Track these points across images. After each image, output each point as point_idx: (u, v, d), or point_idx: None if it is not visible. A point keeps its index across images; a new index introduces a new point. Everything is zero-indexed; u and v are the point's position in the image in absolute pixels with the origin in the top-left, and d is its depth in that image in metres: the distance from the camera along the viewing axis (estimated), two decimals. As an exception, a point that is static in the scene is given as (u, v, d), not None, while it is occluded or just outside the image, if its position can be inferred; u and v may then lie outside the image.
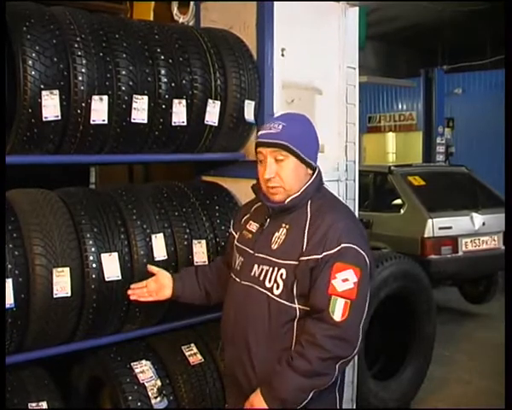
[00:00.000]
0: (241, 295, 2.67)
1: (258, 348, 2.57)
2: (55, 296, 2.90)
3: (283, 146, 2.55)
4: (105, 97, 3.03)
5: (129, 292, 3.04)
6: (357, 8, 4.37)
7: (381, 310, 5.21)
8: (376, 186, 8.48)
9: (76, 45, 2.99)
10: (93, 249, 3.03)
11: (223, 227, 3.57)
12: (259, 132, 2.66)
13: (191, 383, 3.44)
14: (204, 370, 3.51)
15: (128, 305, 3.17)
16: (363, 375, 4.91)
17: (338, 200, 2.79)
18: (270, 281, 2.56)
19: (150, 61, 3.24)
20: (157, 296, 3.00)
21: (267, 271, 2.58)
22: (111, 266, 3.05)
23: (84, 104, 2.98)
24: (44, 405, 3.03)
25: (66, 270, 2.92)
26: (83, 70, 2.98)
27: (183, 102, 3.33)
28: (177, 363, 3.47)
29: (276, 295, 2.54)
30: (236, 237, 2.84)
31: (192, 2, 4.30)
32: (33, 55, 2.85)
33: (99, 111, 3.02)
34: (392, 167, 8.34)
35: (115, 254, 3.08)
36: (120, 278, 3.09)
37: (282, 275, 2.54)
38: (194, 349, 3.56)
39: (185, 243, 3.37)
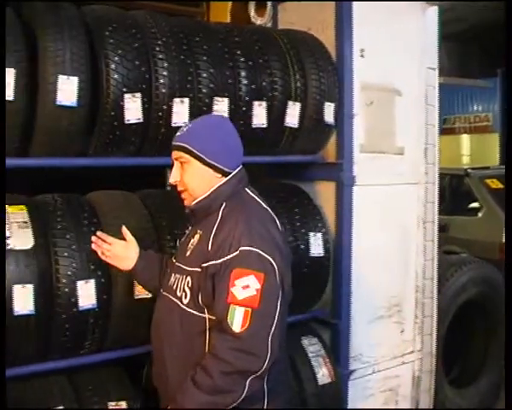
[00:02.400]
0: (159, 306, 2.56)
1: (172, 362, 2.41)
2: (136, 297, 2.93)
3: (183, 148, 2.40)
4: (186, 100, 3.04)
5: (93, 239, 2.72)
6: (436, 8, 4.28)
7: (459, 316, 5.09)
8: (452, 189, 8.29)
9: (157, 48, 3.02)
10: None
11: (303, 230, 3.54)
12: None
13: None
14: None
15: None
16: (440, 381, 4.80)
17: (255, 204, 2.50)
18: (180, 290, 2.42)
19: (230, 64, 3.24)
20: (116, 262, 2.72)
21: (179, 279, 2.44)
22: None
23: (165, 107, 3.00)
24: (124, 404, 3.04)
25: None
26: (164, 73, 3.00)
27: (264, 103, 3.32)
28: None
29: (185, 305, 2.38)
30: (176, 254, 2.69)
31: (269, 4, 4.29)
32: (116, 58, 2.89)
33: (180, 113, 3.03)
34: (469, 170, 8.14)
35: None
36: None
37: (188, 283, 2.38)
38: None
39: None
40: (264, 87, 3.34)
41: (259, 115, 3.31)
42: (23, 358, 2.81)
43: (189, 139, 2.40)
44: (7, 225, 2.74)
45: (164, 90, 2.99)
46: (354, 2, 3.70)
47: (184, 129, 2.45)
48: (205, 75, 3.12)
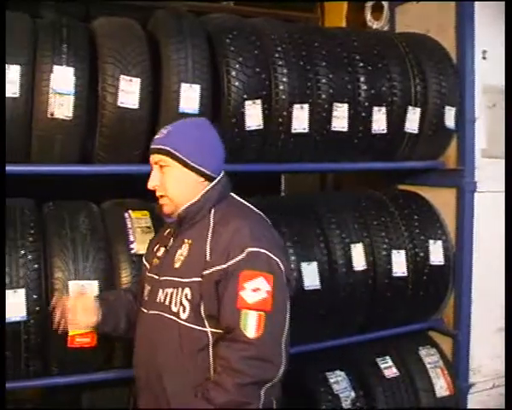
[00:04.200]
0: (148, 326, 2.29)
1: (172, 385, 2.16)
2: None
3: (165, 151, 2.22)
4: (305, 106, 3.04)
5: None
6: None
7: None
8: None
9: (277, 55, 3.04)
10: (293, 258, 3.03)
11: (422, 237, 3.47)
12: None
13: (386, 396, 3.34)
14: (399, 384, 3.41)
15: (326, 314, 3.16)
16: None
17: (248, 207, 2.33)
18: (175, 304, 2.18)
19: (349, 69, 3.21)
20: (77, 321, 2.39)
21: (172, 293, 2.21)
22: (310, 275, 3.04)
23: (285, 113, 3.01)
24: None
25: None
26: (284, 79, 3.01)
27: (383, 109, 3.27)
28: (371, 375, 3.40)
29: (184, 320, 2.15)
30: (148, 267, 2.44)
31: (386, 7, 4.22)
32: (237, 65, 2.92)
33: (300, 119, 3.02)
34: None
35: (314, 264, 3.07)
36: (319, 287, 3.07)
37: (186, 295, 2.16)
38: (390, 362, 3.47)
39: (384, 252, 3.31)
40: (384, 92, 3.29)
41: (379, 121, 3.26)
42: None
43: (171, 142, 2.22)
44: (130, 230, 2.81)
45: (284, 97, 3.00)
46: (476, 2, 3.58)
47: (164, 132, 2.26)
48: (324, 81, 3.11)
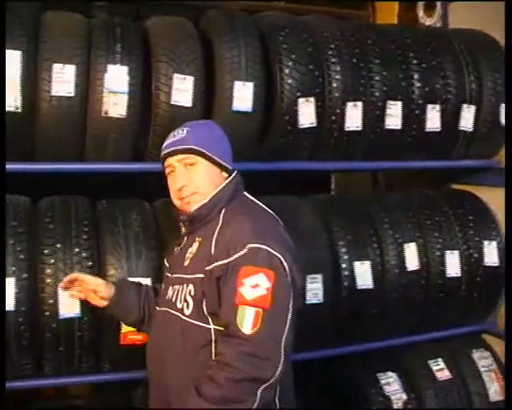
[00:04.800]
0: (158, 322, 2.33)
1: (175, 380, 2.16)
2: (307, 303, 2.92)
3: (191, 150, 2.24)
4: (359, 103, 3.01)
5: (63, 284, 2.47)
6: None
7: None
8: None
9: (330, 52, 3.02)
10: (345, 257, 3.01)
11: (476, 238, 3.40)
12: (164, 144, 2.33)
13: (438, 399, 3.29)
14: (451, 386, 3.35)
15: (378, 315, 3.13)
16: None
17: (258, 206, 2.31)
18: (180, 301, 2.19)
19: (403, 66, 3.18)
20: (90, 298, 2.47)
21: (178, 290, 2.23)
22: (363, 275, 3.02)
23: (338, 111, 2.99)
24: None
25: (320, 277, 2.92)
26: (337, 77, 2.99)
27: (437, 107, 3.22)
28: (423, 377, 3.35)
29: (187, 316, 2.15)
30: (168, 267, 2.45)
31: (439, 4, 4.15)
32: (290, 63, 2.91)
33: (353, 117, 3.00)
34: None
35: (367, 263, 3.04)
36: (372, 287, 3.04)
37: (190, 292, 2.16)
38: (442, 364, 3.41)
39: (438, 253, 3.26)
40: (438, 90, 3.24)
41: (433, 119, 3.21)
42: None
43: (195, 140, 2.25)
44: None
45: (337, 94, 2.98)
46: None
47: (182, 133, 2.28)
48: (377, 78, 3.08)
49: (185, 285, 2.18)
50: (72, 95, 2.65)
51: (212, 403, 1.95)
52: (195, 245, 2.24)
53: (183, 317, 2.16)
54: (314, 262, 2.93)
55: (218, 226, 2.17)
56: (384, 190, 4.47)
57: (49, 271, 2.62)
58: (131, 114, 2.71)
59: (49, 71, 2.63)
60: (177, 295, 2.21)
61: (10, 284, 2.55)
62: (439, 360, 3.43)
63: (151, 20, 2.97)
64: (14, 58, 2.60)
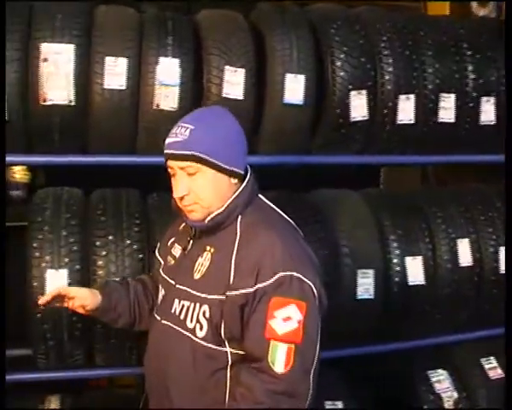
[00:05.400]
0: (160, 337, 2.12)
1: (182, 402, 2.01)
2: (358, 298, 2.89)
3: (193, 157, 1.97)
4: (412, 96, 2.97)
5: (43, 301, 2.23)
6: None
7: None
8: None
9: (382, 45, 2.98)
10: (397, 252, 2.98)
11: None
12: (166, 141, 2.06)
13: (490, 398, 3.23)
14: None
15: (430, 311, 3.10)
16: None
17: (276, 213, 2.13)
18: (191, 320, 2.00)
19: (456, 58, 3.12)
20: (76, 309, 2.25)
21: (188, 307, 2.02)
22: (415, 271, 2.98)
23: (390, 104, 2.95)
24: (340, 404, 3.03)
25: (371, 272, 2.89)
26: (389, 69, 2.95)
27: (492, 99, 3.16)
28: (475, 376, 3.29)
29: (200, 338, 1.98)
30: (162, 264, 2.27)
31: (493, -6, 4.09)
32: (341, 56, 2.88)
33: (406, 111, 2.96)
34: None
35: (419, 258, 3.00)
36: (424, 282, 3.00)
37: (204, 313, 1.97)
38: (495, 363, 3.35)
39: (491, 249, 3.20)
40: (493, 82, 3.18)
41: (488, 112, 3.15)
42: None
43: (197, 144, 1.97)
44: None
45: (389, 87, 2.94)
46: None
47: (184, 131, 2.01)
48: (430, 70, 3.03)
49: (198, 304, 2.00)
50: (124, 88, 2.66)
51: None
52: (207, 256, 2.04)
53: (194, 338, 2.00)
54: (365, 257, 2.91)
55: (237, 241, 1.98)
56: (434, 184, 4.41)
57: (100, 263, 2.64)
58: (182, 107, 2.70)
59: (101, 64, 2.64)
60: (187, 312, 2.03)
61: (63, 276, 2.59)
62: (492, 358, 3.37)
63: (202, 13, 2.97)
64: (67, 52, 2.62)
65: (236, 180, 2.05)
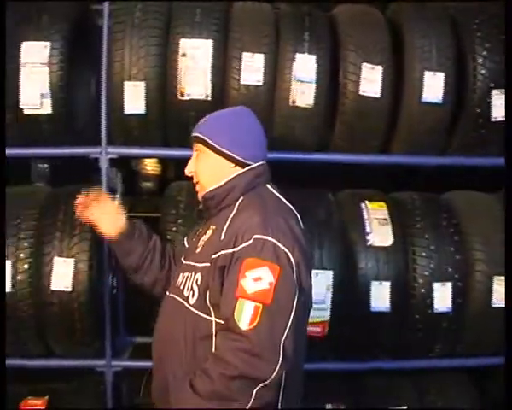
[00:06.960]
0: (165, 308, 2.23)
1: (173, 370, 2.07)
2: (493, 305, 2.78)
3: (198, 139, 2.18)
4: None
5: (80, 199, 2.40)
6: None
7: None
8: None
9: (525, 41, 2.84)
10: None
11: None
12: None
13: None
14: None
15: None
16: None
17: (277, 199, 2.16)
18: (188, 289, 2.10)
19: None
20: (100, 225, 2.42)
21: (187, 278, 2.13)
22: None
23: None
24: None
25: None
26: (534, 66, 2.80)
27: None
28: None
29: (191, 305, 2.06)
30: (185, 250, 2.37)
31: None
32: (484, 53, 2.79)
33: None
34: None
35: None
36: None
37: (197, 280, 2.07)
38: None
39: None
40: None
41: None
42: (376, 353, 2.89)
43: (206, 129, 2.18)
44: (366, 221, 2.77)
45: (534, 85, 2.80)
46: None
47: (203, 120, 2.23)
48: None
49: (193, 273, 2.11)
50: (261, 83, 2.68)
51: (204, 398, 1.89)
52: (209, 233, 2.16)
53: (187, 305, 2.09)
54: (501, 263, 2.76)
55: (232, 215, 2.08)
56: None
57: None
58: (318, 104, 2.70)
59: (238, 60, 2.67)
60: (186, 282, 2.14)
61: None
62: None
63: (338, 8, 2.95)
64: (205, 47, 2.66)
65: (234, 165, 2.16)
